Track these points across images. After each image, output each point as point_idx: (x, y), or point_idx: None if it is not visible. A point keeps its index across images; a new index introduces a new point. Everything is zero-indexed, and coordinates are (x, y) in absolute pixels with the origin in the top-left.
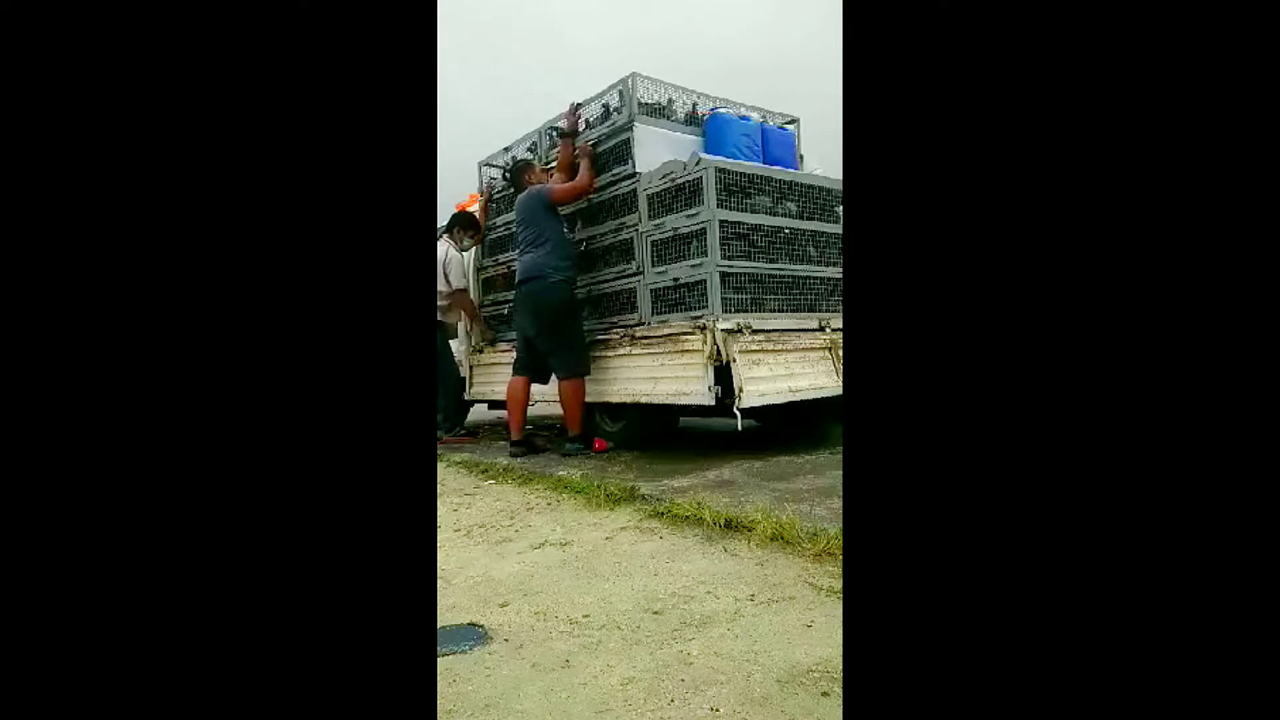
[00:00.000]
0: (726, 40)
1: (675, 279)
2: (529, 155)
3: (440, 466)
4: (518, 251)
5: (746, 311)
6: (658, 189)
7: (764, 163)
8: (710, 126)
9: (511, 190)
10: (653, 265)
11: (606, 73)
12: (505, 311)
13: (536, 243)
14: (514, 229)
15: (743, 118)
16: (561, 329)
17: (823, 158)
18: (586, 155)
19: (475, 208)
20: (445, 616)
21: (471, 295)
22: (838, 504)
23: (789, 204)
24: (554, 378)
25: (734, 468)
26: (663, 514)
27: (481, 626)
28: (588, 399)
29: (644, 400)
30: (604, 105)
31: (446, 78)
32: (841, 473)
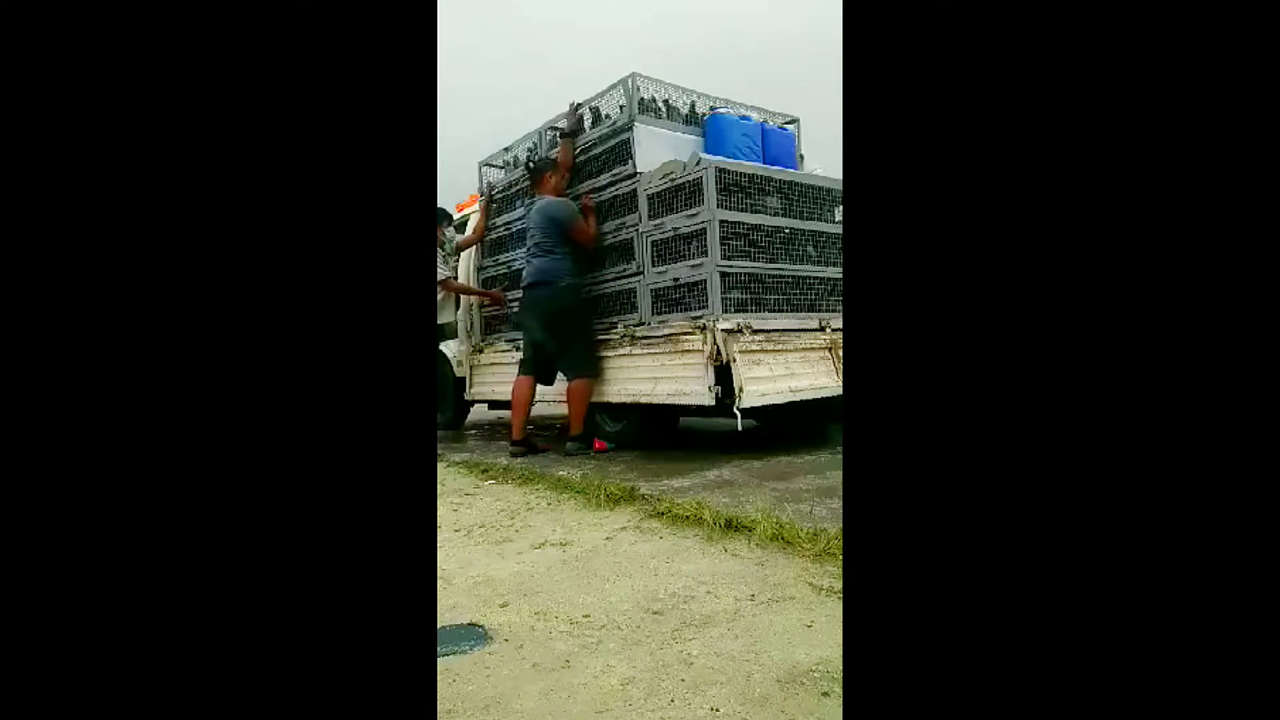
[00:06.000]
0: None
1: (675, 279)
2: (530, 154)
3: (440, 466)
4: (526, 254)
5: (747, 311)
6: (658, 189)
7: (764, 163)
8: (710, 126)
9: (512, 189)
10: (653, 265)
11: (613, 67)
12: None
13: (550, 249)
14: (527, 230)
15: (743, 118)
16: (572, 332)
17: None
18: (590, 211)
19: (475, 208)
20: (445, 616)
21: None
22: (838, 504)
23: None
24: (559, 379)
25: (734, 468)
26: (663, 514)
27: (481, 626)
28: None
29: (644, 400)
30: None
31: (447, 75)
32: (841, 473)
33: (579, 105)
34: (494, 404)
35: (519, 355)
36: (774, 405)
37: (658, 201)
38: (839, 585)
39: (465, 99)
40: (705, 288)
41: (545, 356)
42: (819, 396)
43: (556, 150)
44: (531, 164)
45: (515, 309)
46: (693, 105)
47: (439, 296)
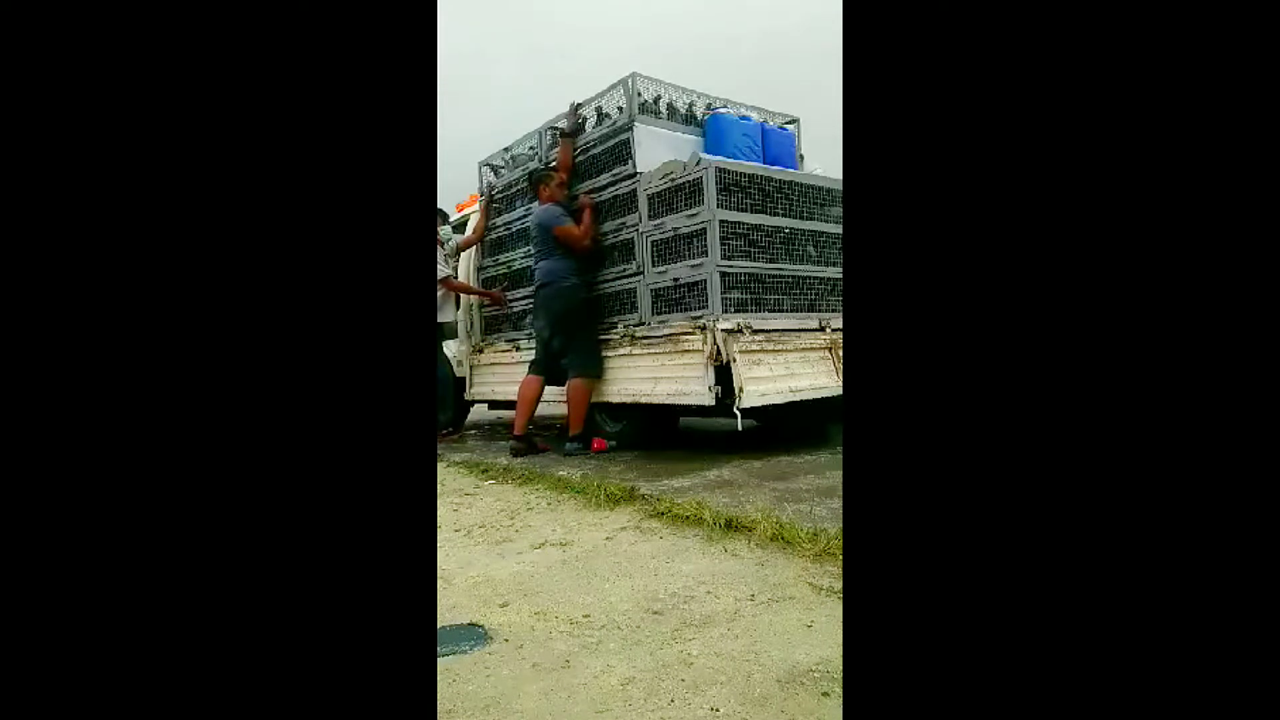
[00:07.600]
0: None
1: (675, 279)
2: (531, 154)
3: (440, 466)
4: (534, 258)
5: (746, 311)
6: (658, 189)
7: (764, 163)
8: (710, 126)
9: (512, 189)
10: (653, 265)
11: (616, 64)
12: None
13: (548, 253)
14: (530, 235)
15: (743, 118)
16: (575, 331)
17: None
18: (588, 207)
19: (475, 208)
20: (445, 616)
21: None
22: (838, 504)
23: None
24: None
25: (734, 468)
26: (663, 514)
27: (481, 627)
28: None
29: (644, 400)
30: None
31: (447, 73)
32: (841, 473)
33: (579, 105)
34: (494, 404)
35: (519, 355)
36: (774, 405)
37: (658, 201)
38: (839, 585)
39: (466, 98)
40: (705, 288)
41: (553, 355)
42: (819, 396)
43: (556, 150)
44: (529, 176)
45: (516, 309)
46: (692, 105)
47: (439, 295)
